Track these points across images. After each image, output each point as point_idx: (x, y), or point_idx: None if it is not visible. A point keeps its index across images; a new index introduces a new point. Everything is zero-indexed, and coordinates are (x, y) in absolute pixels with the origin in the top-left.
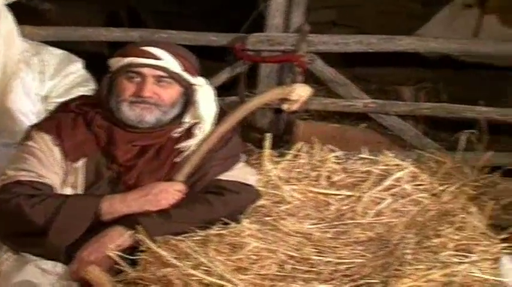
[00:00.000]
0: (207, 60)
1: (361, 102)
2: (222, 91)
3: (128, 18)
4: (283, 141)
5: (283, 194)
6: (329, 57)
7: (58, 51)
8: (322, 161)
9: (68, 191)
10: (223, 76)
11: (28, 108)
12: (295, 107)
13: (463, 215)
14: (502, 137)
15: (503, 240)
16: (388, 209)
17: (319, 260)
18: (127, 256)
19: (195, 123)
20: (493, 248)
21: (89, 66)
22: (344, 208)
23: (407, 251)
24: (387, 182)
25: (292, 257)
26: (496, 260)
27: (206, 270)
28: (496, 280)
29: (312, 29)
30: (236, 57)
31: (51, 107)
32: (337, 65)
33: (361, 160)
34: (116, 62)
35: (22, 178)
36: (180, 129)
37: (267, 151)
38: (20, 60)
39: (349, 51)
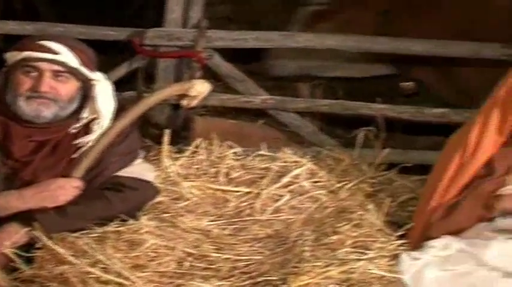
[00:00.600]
0: (104, 55)
1: (259, 98)
2: (120, 86)
3: (23, 11)
4: (181, 138)
5: (181, 190)
6: (227, 53)
7: None
8: (221, 158)
9: None
10: (121, 71)
11: None
12: (194, 103)
13: (361, 212)
14: (398, 135)
15: (400, 237)
16: (286, 206)
17: (218, 257)
18: (23, 253)
19: (93, 119)
20: (390, 245)
21: None
22: (242, 204)
23: (306, 248)
24: (285, 179)
25: (190, 254)
26: (393, 257)
27: (104, 267)
28: (393, 277)
29: (209, 24)
30: (134, 52)
31: None
32: (233, 61)
33: (260, 157)
34: (12, 56)
35: None
36: (78, 125)
37: (166, 147)
38: None
39: (246, 47)
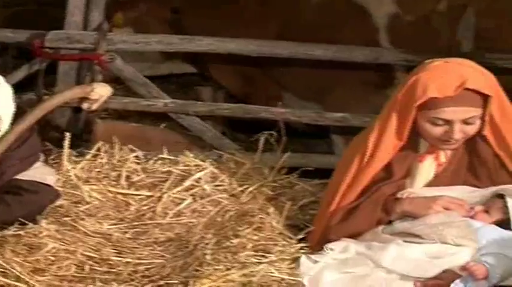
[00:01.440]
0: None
1: (161, 102)
2: (19, 89)
3: None
4: (82, 141)
5: (82, 194)
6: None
7: None
8: (122, 161)
9: None
10: (21, 74)
11: None
12: (95, 106)
13: (262, 216)
14: (299, 139)
15: (301, 240)
16: (187, 209)
17: (119, 260)
18: None
19: None
20: (291, 248)
21: None
22: (144, 208)
23: (207, 251)
24: (187, 183)
25: (91, 257)
26: (294, 260)
27: (2, 272)
28: (292, 280)
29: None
30: (34, 54)
31: None
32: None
33: (162, 160)
34: None
35: None
36: None
37: (66, 151)
38: None
39: (149, 51)
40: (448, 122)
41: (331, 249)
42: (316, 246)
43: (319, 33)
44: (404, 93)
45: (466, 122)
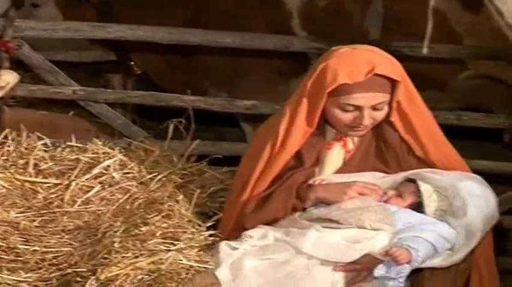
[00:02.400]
0: None
1: (70, 89)
2: None
3: None
4: None
5: None
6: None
7: None
8: (30, 149)
9: None
10: None
11: None
12: (1, 93)
13: (171, 203)
14: (208, 126)
15: (209, 227)
16: (96, 197)
17: (26, 249)
18: None
19: None
20: (200, 235)
21: None
22: (52, 196)
23: (115, 239)
24: (96, 171)
25: None
26: (203, 247)
27: None
28: (201, 267)
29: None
30: None
31: None
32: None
33: (70, 148)
34: None
35: None
36: None
37: None
38: None
39: (56, 38)
40: (358, 108)
41: (250, 236)
42: (229, 234)
43: (233, 20)
44: (314, 80)
45: (375, 108)
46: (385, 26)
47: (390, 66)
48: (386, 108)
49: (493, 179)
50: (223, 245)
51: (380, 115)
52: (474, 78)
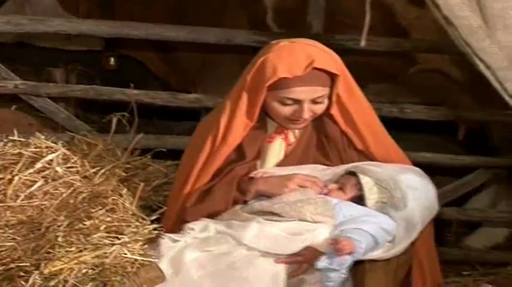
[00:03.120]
0: None
1: (12, 83)
2: None
3: None
4: None
5: None
6: None
7: None
8: None
9: None
10: None
11: None
12: None
13: (115, 197)
14: (152, 120)
15: (154, 221)
16: (39, 191)
17: None
18: None
19: None
20: (144, 229)
21: None
22: None
23: (59, 233)
24: (39, 165)
25: None
26: (147, 240)
27: None
28: (145, 260)
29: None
30: None
31: None
32: None
33: (12, 142)
34: None
35: None
36: None
37: None
38: None
39: None
40: (298, 102)
41: (192, 229)
42: (172, 227)
43: (212, 15)
44: (253, 74)
45: (314, 101)
46: (334, 19)
47: (329, 60)
48: (326, 101)
49: (435, 171)
50: (164, 239)
51: (320, 108)
52: (424, 72)
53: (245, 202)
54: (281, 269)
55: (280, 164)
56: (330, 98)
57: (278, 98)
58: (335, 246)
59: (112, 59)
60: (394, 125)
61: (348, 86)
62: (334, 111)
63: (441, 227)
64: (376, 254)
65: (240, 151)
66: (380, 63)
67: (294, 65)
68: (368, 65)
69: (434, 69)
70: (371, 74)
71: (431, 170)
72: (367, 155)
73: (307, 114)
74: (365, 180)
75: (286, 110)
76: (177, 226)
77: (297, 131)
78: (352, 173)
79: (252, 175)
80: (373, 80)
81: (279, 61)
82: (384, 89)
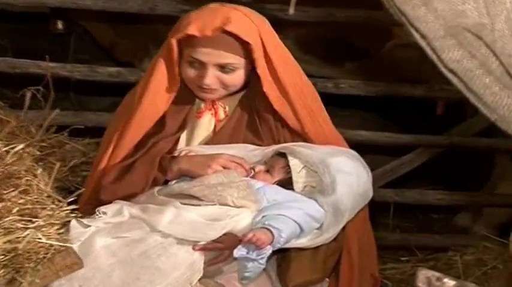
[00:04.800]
0: None
1: None
2: None
3: None
4: None
5: None
6: None
7: None
8: None
9: None
10: None
11: None
12: None
13: (29, 178)
14: (69, 95)
15: (71, 203)
16: None
17: None
18: None
19: None
20: (60, 212)
21: None
22: None
23: None
24: None
25: None
26: (63, 224)
27: None
28: (61, 245)
29: None
30: None
31: None
32: None
33: None
34: None
35: None
36: None
37: None
38: None
39: None
40: (202, 65)
41: (104, 213)
42: (87, 209)
43: None
44: (171, 32)
45: (222, 68)
46: None
47: (248, 28)
48: (240, 73)
49: (371, 149)
50: (75, 223)
51: (230, 79)
52: (401, 47)
53: (166, 183)
54: (199, 258)
55: (208, 142)
56: (256, 72)
57: (186, 58)
58: (250, 240)
59: (59, 23)
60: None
61: (282, 62)
62: (267, 88)
63: (380, 211)
64: (301, 242)
65: (162, 123)
66: (354, 39)
67: (206, 24)
68: (343, 41)
69: (410, 44)
70: (347, 52)
71: (368, 150)
72: (301, 136)
73: (209, 80)
74: (293, 162)
75: (192, 73)
76: (91, 206)
77: (227, 108)
78: (281, 155)
79: (175, 152)
80: (350, 58)
81: (195, 19)
82: (360, 67)
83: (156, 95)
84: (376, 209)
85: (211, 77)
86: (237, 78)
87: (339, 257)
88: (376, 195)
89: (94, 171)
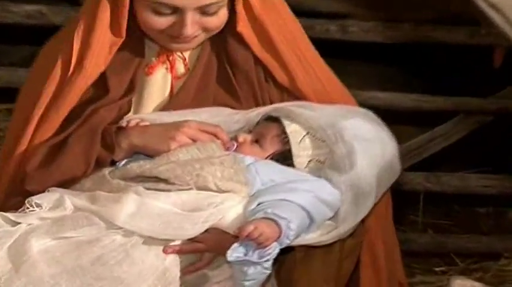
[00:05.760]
0: None
1: None
2: None
3: None
4: None
5: None
6: None
7: None
8: None
9: None
10: None
11: None
12: None
13: None
14: None
15: None
16: None
17: None
18: None
19: None
20: None
21: None
22: None
23: None
24: None
25: None
26: None
27: None
28: None
29: None
30: None
31: None
32: None
33: None
34: None
35: None
36: None
37: None
38: None
39: None
40: (178, 11)
41: (38, 205)
42: (6, 204)
43: None
44: None
45: (204, 12)
46: None
47: None
48: (223, 12)
49: (392, 118)
50: None
51: (213, 22)
52: None
53: (114, 163)
54: (172, 264)
55: (165, 107)
56: (233, 7)
57: (149, 4)
58: (249, 236)
59: None
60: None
61: None
62: (244, 28)
63: (403, 202)
64: (311, 237)
65: (103, 83)
66: None
67: None
68: None
69: None
70: None
71: (387, 118)
72: (293, 93)
73: (191, 29)
74: (292, 128)
75: (163, 23)
76: (13, 200)
77: (187, 58)
78: (273, 119)
79: (122, 122)
80: None
81: None
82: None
83: (100, 47)
84: (399, 201)
85: (193, 25)
86: (222, 17)
87: (357, 259)
88: (399, 181)
89: (10, 154)
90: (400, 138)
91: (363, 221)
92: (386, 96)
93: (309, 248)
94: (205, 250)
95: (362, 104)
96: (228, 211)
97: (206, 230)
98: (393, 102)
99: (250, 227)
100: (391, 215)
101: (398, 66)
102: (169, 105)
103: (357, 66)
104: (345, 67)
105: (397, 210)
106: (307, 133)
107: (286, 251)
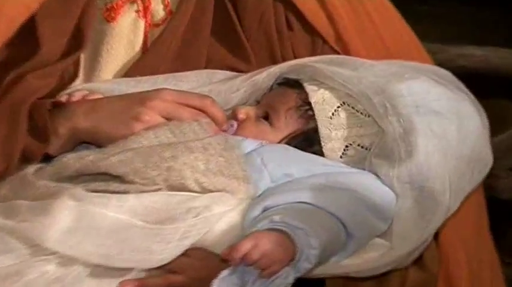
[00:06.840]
0: None
1: None
2: None
3: None
4: None
5: None
6: None
7: None
8: None
9: None
10: None
11: None
12: None
13: None
14: None
15: None
16: None
17: None
18: None
19: None
20: None
21: None
22: None
23: None
24: None
25: None
26: None
27: None
28: None
29: None
30: None
31: None
32: None
33: None
34: None
35: None
36: None
37: None
38: None
39: None
40: None
41: None
42: None
43: None
44: None
45: None
46: None
47: None
48: None
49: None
50: None
51: None
52: None
53: (48, 157)
54: None
55: (132, 70)
56: None
57: None
58: (245, 258)
59: None
60: None
61: None
62: None
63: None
64: (350, 263)
65: (30, 35)
66: None
67: None
68: None
69: None
70: None
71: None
72: (331, 43)
73: None
74: (319, 96)
75: None
76: None
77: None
78: (290, 84)
79: (61, 96)
80: None
81: None
82: None
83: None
84: (501, 212)
85: None
86: None
87: None
88: (501, 185)
89: None
90: (499, 117)
91: (436, 239)
92: (481, 54)
93: (347, 280)
94: (183, 285)
95: (444, 65)
96: (218, 221)
97: (184, 253)
98: (487, 59)
99: (247, 245)
100: (487, 232)
101: (490, 8)
102: (138, 67)
103: (431, 6)
104: (414, 7)
105: (497, 225)
106: (343, 104)
107: (308, 284)
